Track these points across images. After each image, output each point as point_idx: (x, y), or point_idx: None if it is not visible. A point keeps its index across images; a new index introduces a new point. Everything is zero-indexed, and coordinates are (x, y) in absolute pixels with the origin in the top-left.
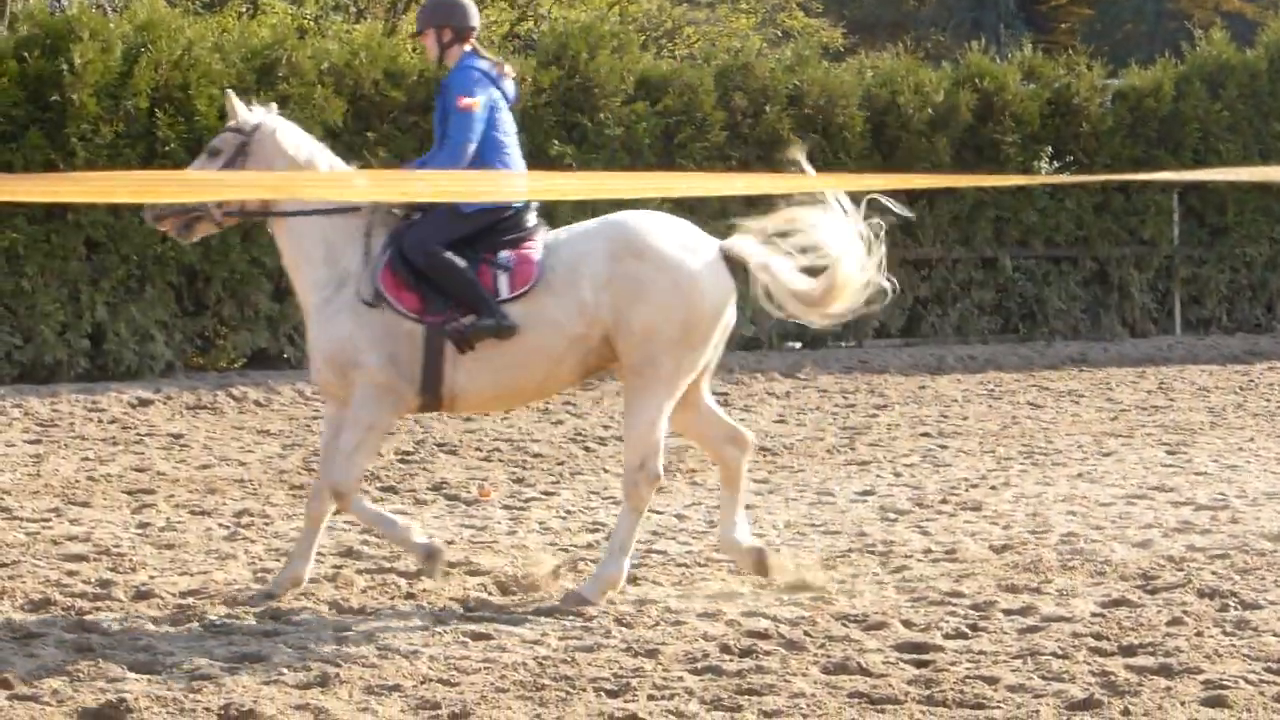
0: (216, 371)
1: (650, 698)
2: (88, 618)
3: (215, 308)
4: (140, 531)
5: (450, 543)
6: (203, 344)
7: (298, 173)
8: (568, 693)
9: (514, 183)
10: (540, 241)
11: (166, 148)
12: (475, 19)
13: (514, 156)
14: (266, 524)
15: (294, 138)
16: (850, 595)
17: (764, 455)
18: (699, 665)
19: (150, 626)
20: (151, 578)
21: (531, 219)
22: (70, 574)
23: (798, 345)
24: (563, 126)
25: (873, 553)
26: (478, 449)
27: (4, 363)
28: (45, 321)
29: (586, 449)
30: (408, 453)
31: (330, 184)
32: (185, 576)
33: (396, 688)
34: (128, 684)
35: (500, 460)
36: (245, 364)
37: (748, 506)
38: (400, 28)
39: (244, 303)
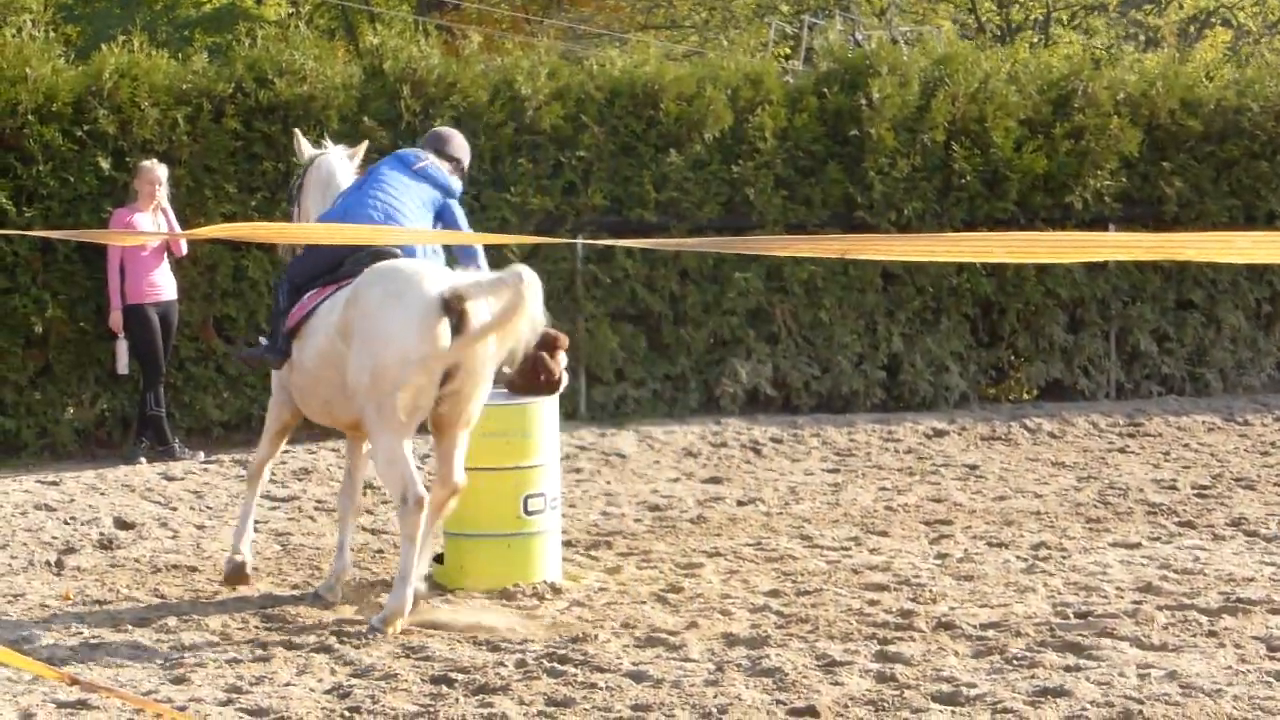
0: (1010, 403)
1: None
2: (889, 648)
3: (1009, 339)
4: (939, 562)
5: (1250, 579)
6: (996, 375)
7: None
8: None
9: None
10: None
11: (962, 180)
12: (446, 147)
13: (396, 215)
14: (1064, 557)
15: (322, 174)
16: None
17: None
18: None
19: (952, 659)
20: (952, 609)
21: (363, 263)
22: (871, 603)
23: None
24: None
25: None
26: (1277, 484)
27: (803, 392)
28: (842, 352)
29: None
30: (1204, 487)
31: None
32: (985, 609)
33: None
34: (930, 715)
35: None
36: (1038, 395)
37: None
38: (1195, 55)
39: (1038, 334)
